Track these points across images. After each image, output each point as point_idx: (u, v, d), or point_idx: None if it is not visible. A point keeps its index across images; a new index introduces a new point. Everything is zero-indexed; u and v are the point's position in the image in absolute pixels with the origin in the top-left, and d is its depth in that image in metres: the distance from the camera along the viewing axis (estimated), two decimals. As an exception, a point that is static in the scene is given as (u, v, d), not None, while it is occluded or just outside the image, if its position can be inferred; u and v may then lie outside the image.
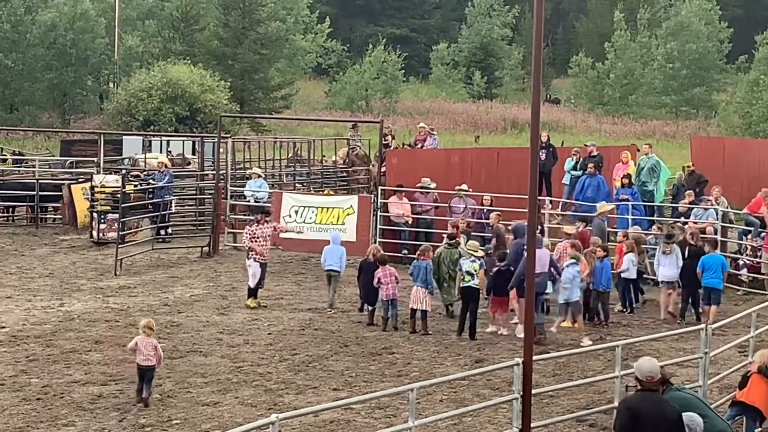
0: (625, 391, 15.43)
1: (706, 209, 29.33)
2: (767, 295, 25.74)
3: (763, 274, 27.40)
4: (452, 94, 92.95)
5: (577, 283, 22.96)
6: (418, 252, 23.97)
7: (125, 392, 18.20)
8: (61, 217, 36.64)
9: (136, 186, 33.56)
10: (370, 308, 23.93)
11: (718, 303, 24.10)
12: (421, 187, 30.86)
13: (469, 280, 22.61)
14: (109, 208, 32.80)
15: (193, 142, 46.31)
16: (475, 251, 22.95)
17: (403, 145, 42.96)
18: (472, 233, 27.68)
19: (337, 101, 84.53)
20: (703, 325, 16.21)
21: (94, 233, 33.10)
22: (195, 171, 39.33)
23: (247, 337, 22.21)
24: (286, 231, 28.39)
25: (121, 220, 30.57)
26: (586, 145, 35.20)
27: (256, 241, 25.21)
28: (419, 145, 38.82)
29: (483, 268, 23.04)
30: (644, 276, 25.99)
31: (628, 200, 30.68)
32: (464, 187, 30.64)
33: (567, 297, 23.01)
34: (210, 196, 33.31)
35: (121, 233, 30.29)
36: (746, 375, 15.43)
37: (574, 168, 33.94)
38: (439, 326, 23.50)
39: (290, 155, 44.91)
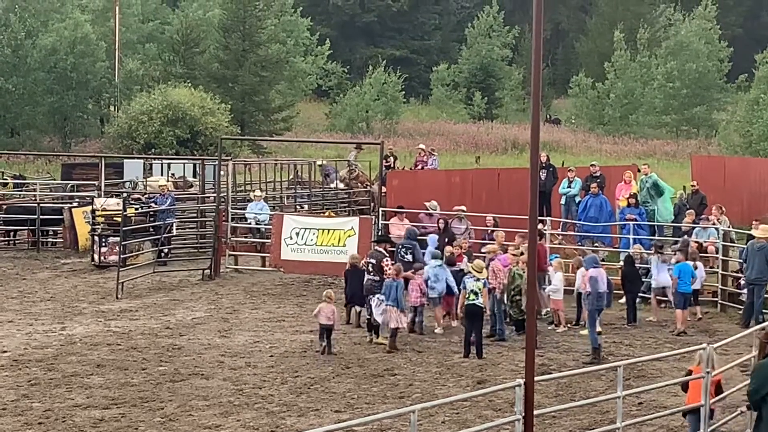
0: None
1: (705, 228, 29.33)
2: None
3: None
4: (453, 114, 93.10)
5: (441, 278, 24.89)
6: (393, 270, 24.11)
7: (127, 416, 18.18)
8: (62, 240, 36.64)
9: (137, 209, 33.57)
10: (357, 309, 25.17)
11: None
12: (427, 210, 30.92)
13: (474, 299, 22.69)
14: (110, 231, 32.80)
15: (194, 165, 46.35)
16: (479, 271, 23.02)
17: (403, 168, 43.09)
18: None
19: (338, 123, 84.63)
20: (705, 345, 16.18)
21: (96, 256, 33.10)
22: (196, 194, 39.35)
23: (248, 359, 22.19)
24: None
25: (123, 243, 30.56)
26: (592, 165, 35.20)
27: None
28: (420, 167, 38.88)
29: (486, 287, 23.22)
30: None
31: (636, 220, 30.73)
32: (463, 208, 30.69)
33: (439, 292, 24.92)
34: (211, 219, 33.30)
35: (122, 256, 30.29)
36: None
37: (569, 186, 34.01)
38: (441, 347, 23.50)
39: (291, 177, 44.96)
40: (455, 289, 25.14)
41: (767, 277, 25.79)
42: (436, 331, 24.97)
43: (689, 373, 16.31)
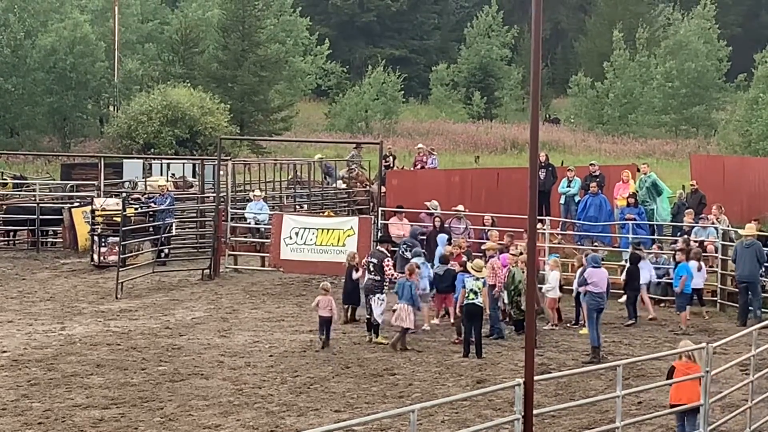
0: None
1: (705, 227, 29.35)
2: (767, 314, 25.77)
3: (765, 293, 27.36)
4: (452, 114, 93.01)
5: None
6: (407, 269, 24.13)
7: (127, 416, 18.19)
8: (61, 240, 36.62)
9: (136, 209, 33.57)
10: (350, 307, 25.68)
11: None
12: (428, 209, 30.96)
13: (473, 298, 22.71)
14: (109, 231, 32.79)
15: (194, 165, 46.33)
16: (478, 270, 23.03)
17: (403, 167, 43.11)
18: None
19: (337, 123, 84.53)
20: (704, 344, 16.21)
21: (95, 257, 33.10)
22: (196, 194, 39.34)
23: (248, 359, 22.20)
24: None
25: (122, 243, 30.56)
26: (591, 164, 35.27)
27: None
28: (419, 166, 38.90)
29: (486, 287, 23.25)
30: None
31: (635, 219, 30.77)
32: (460, 207, 30.73)
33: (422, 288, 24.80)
34: (211, 219, 33.31)
35: (122, 256, 30.29)
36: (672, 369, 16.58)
37: (568, 185, 34.05)
38: (440, 347, 23.51)
39: (290, 177, 44.95)
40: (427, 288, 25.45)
41: (757, 275, 25.93)
42: (424, 328, 25.04)
43: (672, 368, 16.50)
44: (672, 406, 16.59)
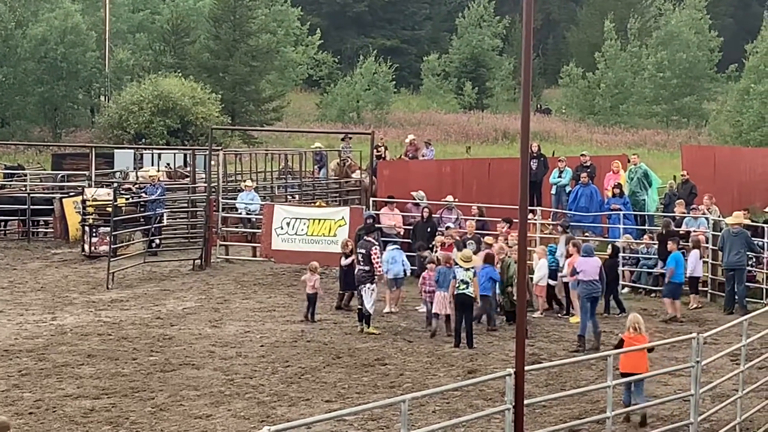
0: None
1: (696, 218, 29.38)
2: (758, 303, 25.76)
3: (755, 283, 27.43)
4: (443, 104, 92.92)
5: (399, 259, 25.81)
6: (443, 258, 24.12)
7: (118, 406, 18.19)
8: (52, 231, 36.59)
9: (127, 199, 33.54)
10: (345, 293, 26.15)
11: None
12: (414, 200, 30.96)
13: (464, 288, 22.72)
14: (100, 221, 32.76)
15: (185, 155, 46.27)
16: (465, 261, 23.04)
17: (399, 157, 43.09)
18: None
19: (329, 113, 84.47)
20: (695, 334, 16.24)
21: (86, 247, 33.08)
22: (187, 184, 39.31)
23: (239, 349, 22.21)
24: None
25: (113, 233, 30.52)
26: (583, 155, 35.30)
27: None
28: (410, 154, 38.91)
29: (476, 277, 23.26)
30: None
31: (620, 210, 30.83)
32: (449, 198, 30.73)
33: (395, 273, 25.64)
34: (202, 209, 33.29)
35: (113, 246, 30.26)
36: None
37: (559, 175, 34.10)
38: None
39: (281, 167, 44.90)
40: (408, 271, 26.06)
41: (744, 263, 26.05)
42: (384, 311, 25.33)
43: (621, 340, 17.35)
44: (622, 375, 17.06)
